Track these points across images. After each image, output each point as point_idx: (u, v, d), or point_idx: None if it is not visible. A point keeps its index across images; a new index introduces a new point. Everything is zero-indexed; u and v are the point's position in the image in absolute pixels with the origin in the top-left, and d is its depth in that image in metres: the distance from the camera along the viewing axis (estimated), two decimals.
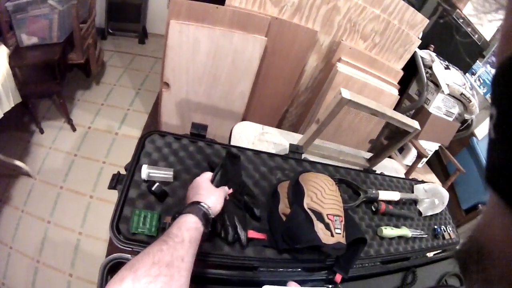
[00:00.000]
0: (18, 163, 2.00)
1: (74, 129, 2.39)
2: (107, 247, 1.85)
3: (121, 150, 2.33)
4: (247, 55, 1.21)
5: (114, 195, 0.91)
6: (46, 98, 2.58)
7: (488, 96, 2.67)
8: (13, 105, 1.88)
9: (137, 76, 3.03)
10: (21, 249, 1.79)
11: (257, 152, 1.05)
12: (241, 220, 0.83)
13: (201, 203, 0.68)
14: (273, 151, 1.15)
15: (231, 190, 0.84)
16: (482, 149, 2.60)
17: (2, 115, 1.77)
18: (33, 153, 2.26)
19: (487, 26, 2.55)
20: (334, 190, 0.91)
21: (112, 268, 0.74)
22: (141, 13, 3.28)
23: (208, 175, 0.80)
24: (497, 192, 0.22)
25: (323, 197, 0.87)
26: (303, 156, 1.14)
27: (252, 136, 1.18)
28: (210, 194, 0.72)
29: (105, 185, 2.09)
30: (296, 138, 1.21)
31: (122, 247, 0.75)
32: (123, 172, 0.99)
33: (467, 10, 2.84)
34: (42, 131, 2.35)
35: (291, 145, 1.12)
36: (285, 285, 0.81)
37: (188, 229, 0.60)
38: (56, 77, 2.14)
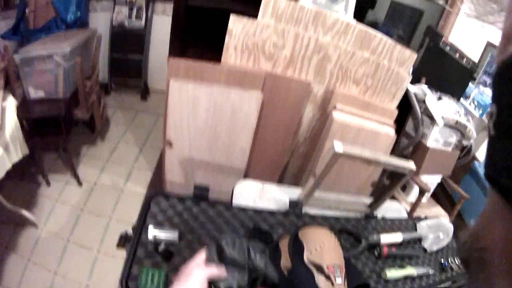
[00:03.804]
0: (24, 212, 2.03)
1: (80, 184, 2.44)
2: None
3: (127, 206, 2.36)
4: (245, 111, 1.26)
5: (120, 250, 0.95)
6: (52, 151, 2.66)
7: (484, 117, 2.70)
8: (21, 157, 1.93)
9: (141, 133, 3.12)
10: None
11: (258, 210, 1.09)
12: None
13: None
14: (274, 207, 1.19)
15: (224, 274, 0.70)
16: None
17: (11, 166, 1.82)
18: (40, 204, 2.30)
19: (488, 28, 2.61)
20: (333, 241, 0.94)
21: None
22: (142, 69, 3.39)
23: (196, 259, 0.73)
24: (497, 188, 0.22)
25: (322, 249, 0.89)
26: (304, 210, 1.17)
27: (253, 193, 1.22)
28: (179, 282, 0.66)
29: (111, 240, 2.11)
30: (296, 192, 1.24)
31: None
32: (129, 230, 1.03)
33: (453, 37, 2.93)
34: (48, 183, 2.40)
35: (290, 201, 1.15)
36: None
37: None
38: (62, 132, 2.21)
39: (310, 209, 1.22)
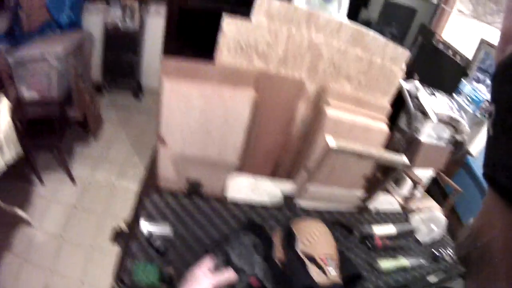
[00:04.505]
0: (19, 211, 2.04)
1: (74, 182, 2.45)
2: None
3: (120, 203, 2.37)
4: (238, 109, 1.27)
5: (114, 246, 0.96)
6: (46, 150, 2.66)
7: (477, 113, 2.72)
8: (15, 157, 1.93)
9: (134, 132, 3.14)
10: None
11: (251, 204, 1.10)
12: None
13: None
14: (267, 201, 1.21)
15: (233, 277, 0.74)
16: (477, 166, 2.63)
17: (5, 167, 1.82)
18: (34, 203, 2.31)
19: (482, 25, 2.64)
20: (325, 232, 0.96)
21: None
22: (135, 69, 3.40)
23: (203, 266, 0.74)
24: (496, 188, 0.22)
25: (314, 240, 0.91)
26: (297, 203, 1.18)
27: (246, 187, 1.23)
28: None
29: (105, 236, 2.13)
30: (289, 186, 1.26)
31: None
32: (123, 224, 1.04)
33: (446, 35, 2.95)
34: (42, 183, 2.40)
35: (283, 194, 1.17)
36: None
37: None
38: (56, 132, 2.22)
39: (303, 202, 1.23)
